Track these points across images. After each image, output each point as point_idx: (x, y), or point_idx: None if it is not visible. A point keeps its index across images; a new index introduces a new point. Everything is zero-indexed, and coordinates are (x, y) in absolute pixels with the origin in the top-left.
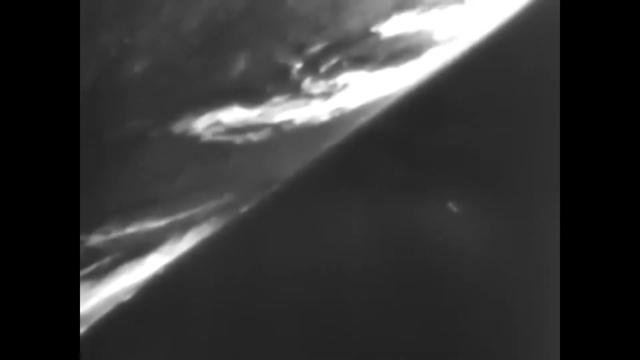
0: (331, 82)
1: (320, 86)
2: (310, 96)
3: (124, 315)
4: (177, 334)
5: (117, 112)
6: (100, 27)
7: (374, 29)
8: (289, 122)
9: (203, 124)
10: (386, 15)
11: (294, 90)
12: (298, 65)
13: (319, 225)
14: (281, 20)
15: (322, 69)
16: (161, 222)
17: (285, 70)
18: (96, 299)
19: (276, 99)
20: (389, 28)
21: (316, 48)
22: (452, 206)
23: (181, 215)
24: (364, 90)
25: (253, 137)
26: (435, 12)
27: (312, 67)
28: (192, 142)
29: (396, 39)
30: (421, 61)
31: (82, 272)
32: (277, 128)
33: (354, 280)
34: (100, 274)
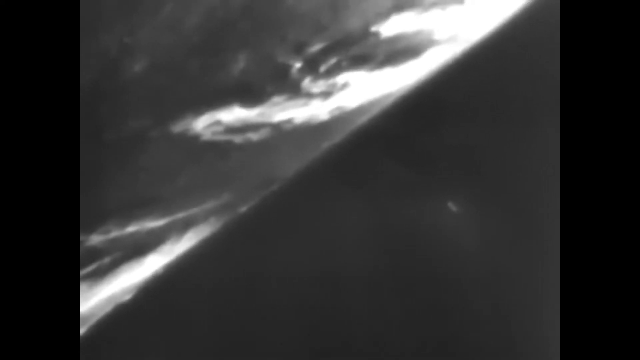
0: (331, 81)
1: (319, 86)
2: (309, 95)
3: (123, 315)
4: (176, 334)
5: (116, 111)
6: (100, 26)
7: (373, 29)
8: (289, 121)
9: (203, 124)
10: (386, 15)
11: (293, 89)
12: (298, 65)
13: (319, 225)
14: (281, 20)
15: (322, 68)
16: (161, 222)
17: (285, 70)
18: (96, 298)
19: (276, 99)
20: (389, 28)
21: (316, 47)
22: (451, 206)
23: (181, 215)
24: (363, 89)
25: (253, 136)
26: (434, 12)
27: (311, 67)
28: (192, 142)
29: (396, 38)
30: (421, 61)
31: (82, 272)
32: (276, 127)
33: (353, 280)
34: (100, 274)
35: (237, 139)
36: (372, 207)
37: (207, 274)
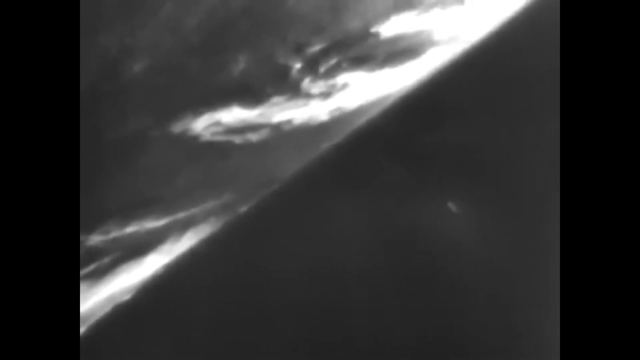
0: (330, 82)
1: (319, 86)
2: (309, 96)
3: (123, 315)
4: (176, 334)
5: (117, 112)
6: (100, 27)
7: (373, 29)
8: (289, 122)
9: (203, 124)
10: (385, 16)
11: (293, 90)
12: (297, 65)
13: (319, 225)
14: (281, 20)
15: (322, 69)
16: (160, 222)
17: (284, 70)
18: (95, 298)
19: (275, 99)
20: (389, 28)
21: (316, 48)
22: (451, 206)
23: (180, 215)
24: (363, 90)
25: (252, 137)
26: (434, 12)
27: (311, 67)
28: (192, 142)
29: (395, 39)
30: (421, 62)
31: (82, 272)
32: (276, 128)
33: (353, 280)
34: (100, 274)
35: (237, 139)
36: (372, 208)
37: (207, 273)
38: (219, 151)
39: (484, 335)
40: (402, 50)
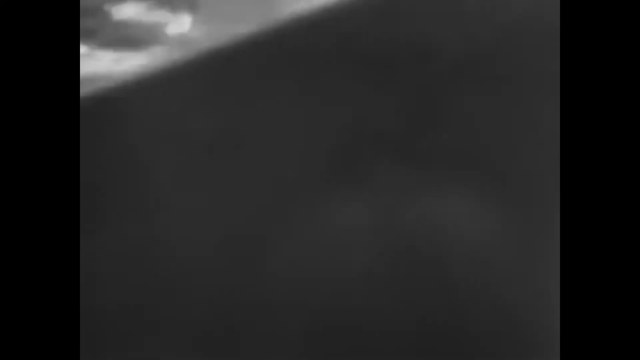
0: None
1: None
2: None
3: (121, 308)
4: (176, 334)
5: None
6: None
7: (105, 8)
8: None
9: None
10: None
11: None
12: None
13: (317, 226)
14: None
15: None
16: None
17: None
18: None
19: None
20: (120, 11)
21: None
22: (454, 205)
23: None
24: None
25: None
26: (167, 9)
27: None
28: None
29: (125, 24)
30: (143, 53)
31: None
32: None
33: (353, 281)
34: None
35: None
36: (372, 208)
37: (208, 272)
38: None
39: (486, 336)
40: (127, 37)
